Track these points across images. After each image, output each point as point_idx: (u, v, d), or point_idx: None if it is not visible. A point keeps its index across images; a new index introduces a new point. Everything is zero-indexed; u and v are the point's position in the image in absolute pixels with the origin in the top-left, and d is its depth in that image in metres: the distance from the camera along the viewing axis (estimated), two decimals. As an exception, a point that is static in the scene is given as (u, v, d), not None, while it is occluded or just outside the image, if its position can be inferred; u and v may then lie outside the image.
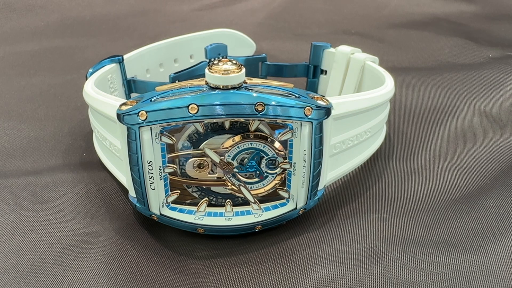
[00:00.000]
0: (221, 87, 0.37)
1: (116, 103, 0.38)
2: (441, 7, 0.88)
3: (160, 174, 0.38)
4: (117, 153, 0.41)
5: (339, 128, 0.41)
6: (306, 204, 0.40)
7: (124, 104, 0.37)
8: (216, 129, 0.39)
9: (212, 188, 0.40)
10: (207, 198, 0.40)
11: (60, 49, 0.78)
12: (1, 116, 0.60)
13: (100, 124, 0.44)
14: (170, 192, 0.39)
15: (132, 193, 0.39)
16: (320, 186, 0.41)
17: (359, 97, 0.42)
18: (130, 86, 0.55)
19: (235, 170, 0.39)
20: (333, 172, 0.42)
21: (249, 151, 0.39)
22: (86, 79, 0.48)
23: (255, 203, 0.40)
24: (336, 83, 0.56)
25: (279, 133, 0.39)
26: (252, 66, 0.58)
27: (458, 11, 0.87)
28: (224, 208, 0.40)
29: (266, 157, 0.39)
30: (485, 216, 0.43)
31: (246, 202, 0.40)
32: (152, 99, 0.37)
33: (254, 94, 0.36)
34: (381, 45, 0.78)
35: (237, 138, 0.38)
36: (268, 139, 0.39)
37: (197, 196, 0.41)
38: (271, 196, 0.41)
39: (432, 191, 0.47)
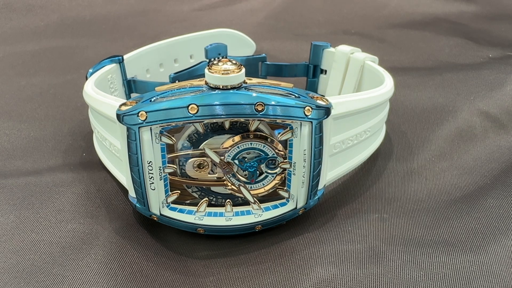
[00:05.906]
0: (221, 87, 0.37)
1: (116, 104, 0.38)
2: (441, 7, 0.88)
3: (160, 174, 0.38)
4: (117, 153, 0.41)
5: (339, 127, 0.41)
6: (306, 204, 0.40)
7: (124, 104, 0.37)
8: (216, 129, 0.39)
9: (212, 188, 0.40)
10: (207, 198, 0.40)
11: (60, 49, 0.78)
12: (1, 116, 0.60)
13: (100, 124, 0.44)
14: (170, 192, 0.39)
15: (132, 193, 0.39)
16: (320, 186, 0.41)
17: (359, 96, 0.42)
18: (130, 86, 0.55)
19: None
20: (333, 171, 0.42)
21: (250, 151, 0.39)
22: (86, 79, 0.48)
23: (255, 203, 0.40)
24: (336, 83, 0.56)
25: (279, 133, 0.39)
26: (252, 66, 0.58)
27: (458, 11, 0.87)
28: (224, 208, 0.40)
29: (266, 157, 0.39)
30: (485, 216, 0.43)
31: (246, 202, 0.40)
32: (152, 99, 0.37)
33: (254, 94, 0.36)
34: (381, 45, 0.78)
35: (237, 138, 0.38)
36: (268, 139, 0.39)
37: (197, 196, 0.41)
38: (271, 196, 0.41)
39: (432, 191, 0.47)
